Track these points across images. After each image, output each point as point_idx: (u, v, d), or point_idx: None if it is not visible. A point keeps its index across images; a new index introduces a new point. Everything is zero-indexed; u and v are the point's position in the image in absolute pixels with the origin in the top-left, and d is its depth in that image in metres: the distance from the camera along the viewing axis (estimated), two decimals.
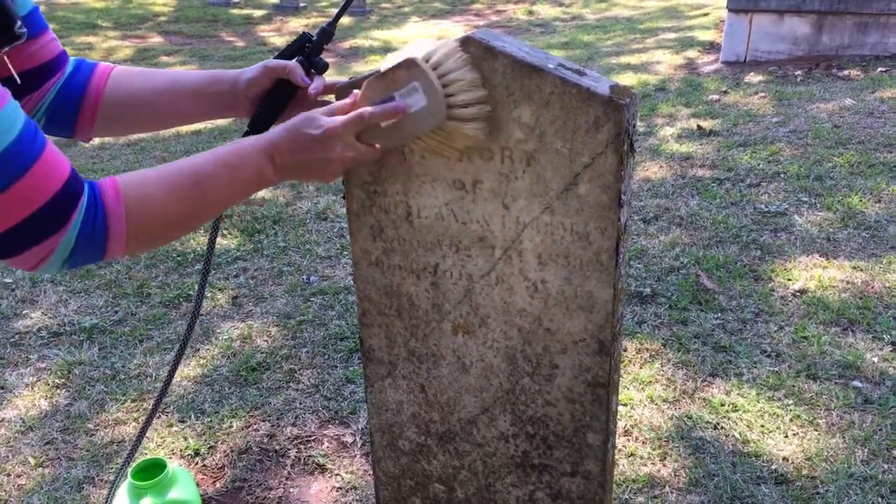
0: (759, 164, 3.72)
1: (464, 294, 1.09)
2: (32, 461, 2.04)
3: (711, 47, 6.37)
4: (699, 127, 4.33)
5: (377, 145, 0.97)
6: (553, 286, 1.03)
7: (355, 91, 0.98)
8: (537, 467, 1.17)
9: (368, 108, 0.94)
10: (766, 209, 3.23)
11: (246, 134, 1.02)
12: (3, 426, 2.18)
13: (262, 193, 3.81)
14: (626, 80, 5.61)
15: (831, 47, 5.39)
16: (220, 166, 0.90)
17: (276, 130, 0.94)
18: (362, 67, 6.89)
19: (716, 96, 4.94)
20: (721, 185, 3.54)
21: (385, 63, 0.96)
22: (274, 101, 1.06)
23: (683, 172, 3.74)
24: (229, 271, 3.03)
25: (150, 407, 1.10)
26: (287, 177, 0.95)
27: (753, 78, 5.25)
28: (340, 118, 0.93)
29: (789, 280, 2.67)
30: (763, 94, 4.85)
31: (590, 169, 0.95)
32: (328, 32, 1.07)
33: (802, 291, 2.59)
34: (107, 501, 1.24)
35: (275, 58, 1.09)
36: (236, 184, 0.92)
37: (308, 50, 1.07)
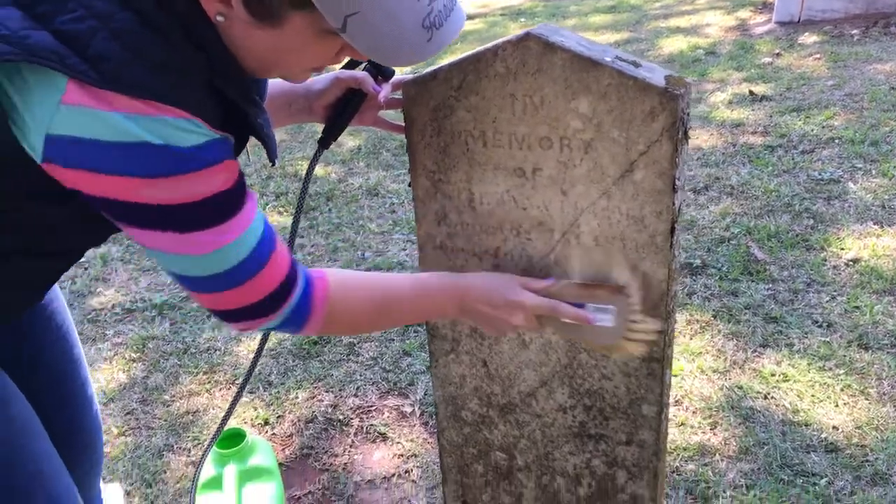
0: (812, 130, 3.66)
1: (523, 275, 1.16)
2: (115, 430, 2.19)
3: (765, 7, 6.20)
4: (751, 92, 4.26)
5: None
6: None
7: (554, 279, 1.09)
8: (594, 437, 1.24)
9: (563, 305, 1.06)
10: (820, 177, 3.19)
11: (320, 140, 1.10)
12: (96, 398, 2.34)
13: (317, 171, 3.92)
14: (676, 43, 5.53)
15: (890, 4, 5.21)
16: (414, 296, 1.05)
17: (472, 278, 1.07)
18: None
19: (768, 59, 4.84)
20: (773, 153, 3.50)
21: (578, 262, 1.08)
22: (346, 108, 1.15)
23: (734, 140, 3.70)
24: None
25: (241, 381, 1.22)
26: (464, 318, 1.08)
27: (808, 39, 5.12)
28: (535, 298, 1.06)
29: (842, 249, 2.66)
30: (818, 56, 4.73)
31: (645, 156, 0.99)
32: None
33: (855, 260, 2.58)
34: (196, 470, 1.35)
35: (342, 68, 1.16)
36: (422, 313, 1.09)
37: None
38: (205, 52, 0.81)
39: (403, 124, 1.14)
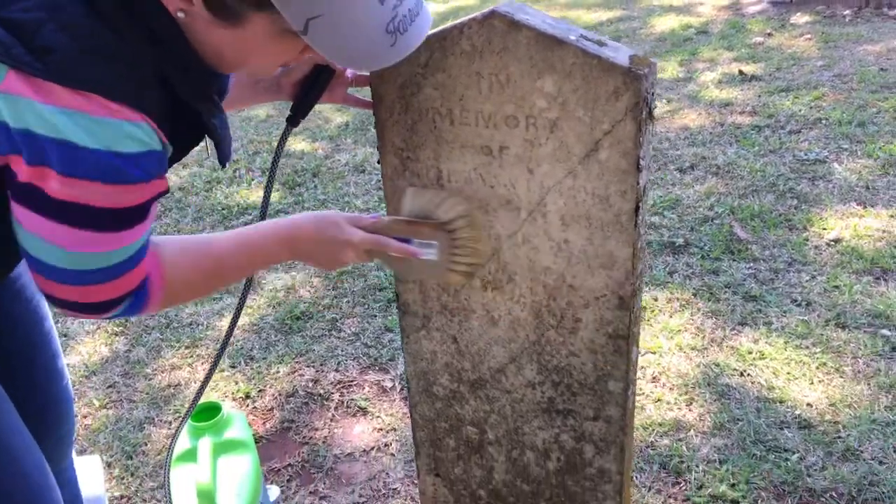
0: (800, 111, 3.66)
1: (492, 253, 1.16)
2: (97, 403, 2.21)
3: None
4: (741, 72, 4.25)
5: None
6: (576, 246, 1.09)
7: (380, 215, 1.12)
8: (562, 412, 1.25)
9: (388, 240, 1.09)
10: (806, 157, 3.20)
11: (289, 118, 1.09)
12: (69, 371, 2.35)
13: (301, 146, 3.90)
14: (668, 22, 5.50)
15: None
16: (242, 251, 1.04)
17: (301, 221, 1.06)
18: None
19: (759, 39, 4.82)
20: (760, 133, 3.50)
21: (408, 199, 1.13)
22: (314, 85, 1.13)
23: (722, 119, 3.70)
24: None
25: (214, 356, 1.22)
26: (297, 259, 1.10)
27: (800, 19, 5.10)
28: (362, 234, 1.07)
29: (824, 229, 2.67)
30: (809, 36, 4.72)
31: (610, 136, 1.00)
32: None
33: (837, 240, 2.60)
34: (171, 442, 1.37)
35: None
36: (256, 264, 1.08)
37: None
38: (162, 46, 0.80)
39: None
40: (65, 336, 2.51)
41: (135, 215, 0.85)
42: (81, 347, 2.46)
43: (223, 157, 0.96)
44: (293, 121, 1.17)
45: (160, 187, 0.87)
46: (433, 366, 1.33)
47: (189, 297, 1.05)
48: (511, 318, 1.21)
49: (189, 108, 0.86)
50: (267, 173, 3.54)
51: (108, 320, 0.92)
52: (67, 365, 2.36)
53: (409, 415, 2.06)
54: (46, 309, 1.25)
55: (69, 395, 1.31)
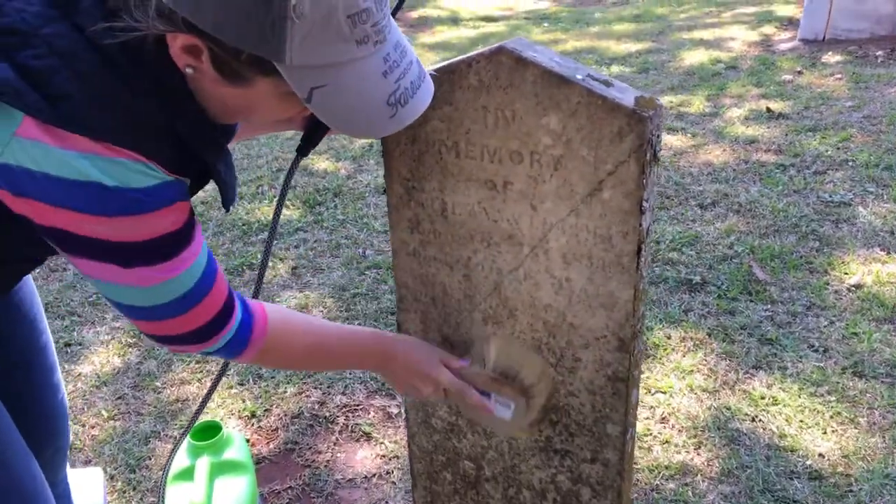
0: (827, 151, 3.61)
1: (493, 287, 1.16)
2: (105, 414, 2.22)
3: (790, 23, 6.13)
4: (768, 109, 4.22)
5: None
6: (577, 284, 1.08)
7: (468, 362, 1.19)
8: (559, 452, 1.23)
9: (471, 391, 1.15)
10: (830, 199, 3.15)
11: (299, 148, 1.10)
12: (80, 380, 2.37)
13: (324, 165, 3.94)
14: (697, 56, 5.49)
15: None
16: (344, 345, 1.12)
17: (401, 345, 1.15)
18: (430, 38, 6.92)
19: (789, 76, 4.78)
20: (785, 172, 3.46)
21: (493, 349, 1.18)
22: None
23: (747, 157, 3.67)
24: (290, 241, 3.17)
25: (215, 376, 1.23)
26: (381, 373, 1.17)
27: (831, 58, 5.05)
28: (449, 377, 1.14)
29: (846, 274, 2.62)
30: (839, 76, 4.67)
31: (613, 176, 0.99)
32: None
33: (858, 286, 2.55)
34: (169, 458, 1.37)
35: None
36: (347, 364, 1.18)
37: None
38: (170, 97, 0.81)
39: None
40: (79, 345, 2.54)
41: (177, 241, 0.88)
42: (94, 357, 2.48)
43: (227, 200, 0.98)
44: (303, 151, 1.17)
45: (186, 207, 0.89)
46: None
47: (282, 362, 1.13)
48: None
49: (196, 154, 0.88)
50: (290, 191, 3.57)
51: (212, 356, 0.98)
52: (79, 374, 2.40)
53: None
54: (44, 323, 1.26)
55: (64, 410, 1.32)
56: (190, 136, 0.86)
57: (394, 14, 1.09)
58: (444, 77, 1.05)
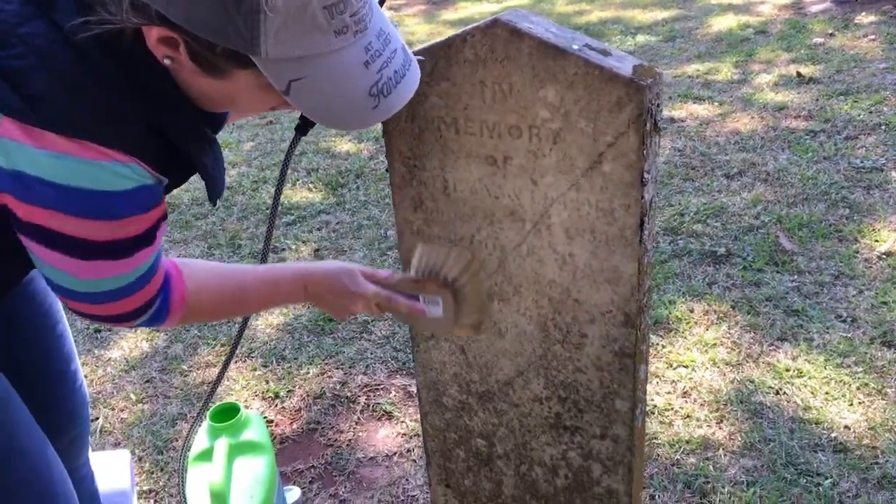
0: (859, 115, 3.51)
1: (498, 264, 1.15)
2: (134, 397, 2.27)
3: None
4: (798, 74, 4.10)
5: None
6: (580, 259, 1.07)
7: (392, 272, 1.15)
8: (569, 428, 1.23)
9: (397, 296, 1.12)
10: (861, 164, 3.06)
11: (298, 127, 1.09)
12: (109, 365, 2.43)
13: (346, 147, 3.94)
14: (725, 22, 5.35)
15: None
16: (262, 284, 1.09)
17: (318, 268, 1.11)
18: (452, 15, 6.85)
19: (820, 39, 4.64)
20: (815, 138, 3.37)
21: (417, 257, 1.14)
22: None
23: (776, 124, 3.58)
24: (313, 224, 3.18)
25: (226, 356, 1.25)
26: (311, 302, 1.14)
27: (864, 19, 4.89)
28: (374, 288, 1.10)
29: (876, 241, 2.55)
30: (873, 37, 4.52)
31: (613, 148, 0.97)
32: None
33: (889, 254, 2.47)
34: (187, 439, 1.39)
35: None
36: (269, 300, 1.13)
37: None
38: (150, 91, 0.81)
39: None
40: (109, 331, 2.59)
41: (139, 243, 0.89)
42: (123, 342, 2.53)
43: (213, 194, 0.98)
44: (303, 129, 1.16)
45: (158, 214, 0.90)
46: (442, 376, 1.32)
47: (208, 318, 1.12)
48: (517, 331, 1.19)
49: (180, 150, 0.88)
50: (312, 174, 3.58)
51: (134, 328, 1.00)
52: (109, 359, 2.45)
53: None
54: (60, 312, 1.28)
55: (83, 398, 1.35)
56: (175, 130, 0.85)
57: (381, 2, 1.08)
58: (440, 52, 1.03)
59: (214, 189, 0.96)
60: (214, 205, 1.03)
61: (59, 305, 1.28)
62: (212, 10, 0.71)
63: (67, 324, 1.30)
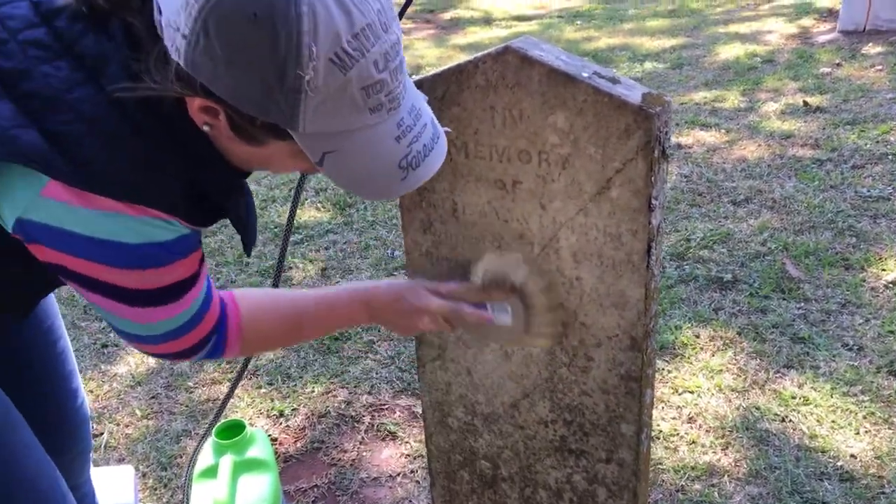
0: (865, 145, 3.52)
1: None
2: (139, 413, 2.27)
3: (829, 15, 5.98)
4: (805, 103, 4.12)
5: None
6: (587, 283, 1.08)
7: (457, 283, 1.14)
8: (574, 452, 1.23)
9: (464, 307, 1.10)
10: (868, 193, 3.07)
11: None
12: (115, 380, 2.44)
13: None
14: (733, 50, 5.39)
15: None
16: (322, 308, 1.10)
17: (380, 287, 1.12)
18: (462, 39, 6.92)
19: (827, 69, 4.67)
20: (822, 167, 3.38)
21: (484, 262, 1.13)
22: None
23: (782, 152, 3.59)
24: (320, 243, 3.20)
25: (234, 376, 1.27)
26: (375, 322, 1.15)
27: (871, 49, 4.92)
28: (438, 302, 1.10)
29: (883, 270, 2.55)
30: (880, 68, 4.55)
31: (621, 174, 0.98)
32: None
33: (895, 283, 2.48)
34: (193, 455, 1.39)
35: None
36: (333, 324, 1.16)
37: None
38: (188, 149, 0.84)
39: None
40: (115, 346, 2.60)
41: (186, 285, 0.92)
42: (129, 358, 2.54)
43: (248, 244, 1.01)
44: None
45: (198, 256, 0.94)
46: (448, 397, 1.33)
47: (267, 347, 1.15)
48: (524, 353, 1.20)
49: (216, 204, 0.92)
50: (321, 193, 3.60)
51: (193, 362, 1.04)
52: (115, 375, 2.46)
53: None
54: (61, 329, 1.29)
55: (84, 416, 1.35)
56: (213, 187, 0.89)
57: (400, 15, 1.10)
58: (451, 78, 1.05)
59: (248, 238, 1.00)
60: (249, 255, 1.06)
61: (60, 322, 1.29)
62: (255, 87, 0.73)
63: (69, 342, 1.32)
